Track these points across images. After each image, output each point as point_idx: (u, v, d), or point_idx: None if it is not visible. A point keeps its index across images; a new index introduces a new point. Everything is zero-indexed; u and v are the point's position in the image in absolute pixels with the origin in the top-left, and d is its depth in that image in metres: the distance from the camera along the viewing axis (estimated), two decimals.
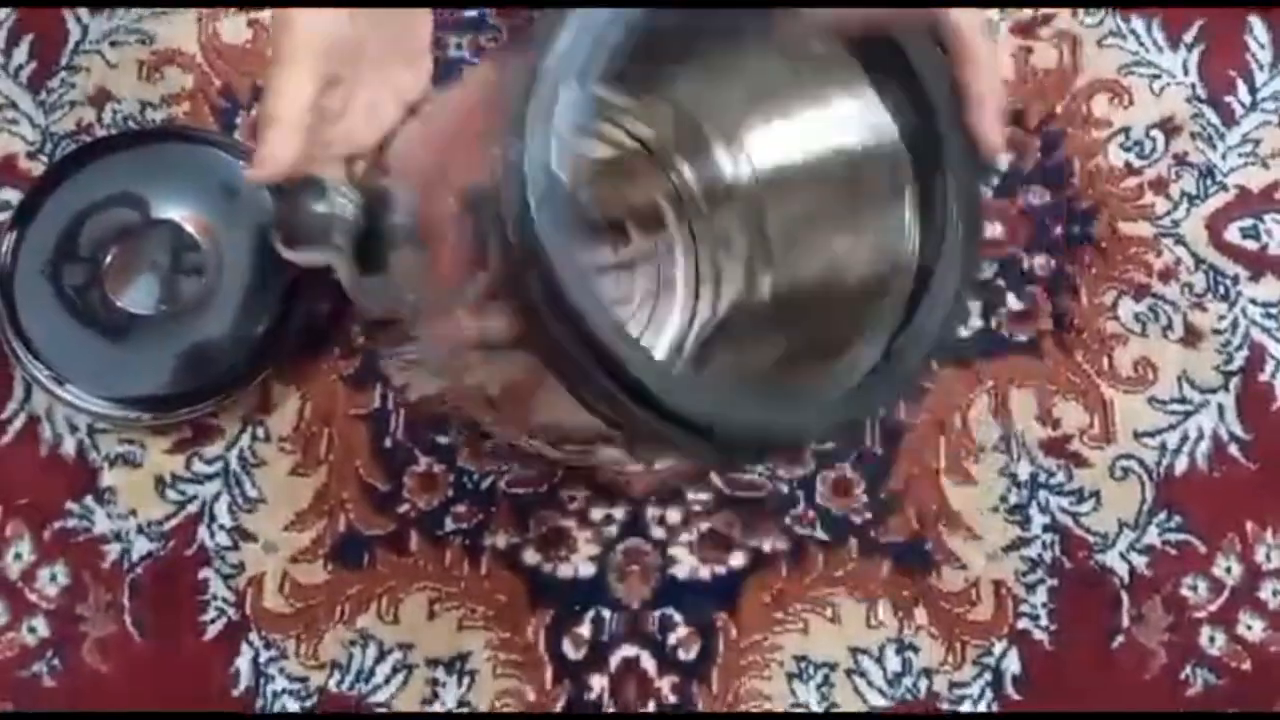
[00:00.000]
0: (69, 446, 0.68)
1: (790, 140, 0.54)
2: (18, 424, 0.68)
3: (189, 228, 0.68)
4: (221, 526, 0.67)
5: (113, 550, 0.66)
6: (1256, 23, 0.78)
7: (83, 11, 0.75)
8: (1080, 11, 0.78)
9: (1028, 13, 0.78)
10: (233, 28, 0.75)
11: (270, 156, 0.48)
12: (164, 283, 0.68)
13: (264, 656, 0.65)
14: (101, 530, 0.67)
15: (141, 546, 0.66)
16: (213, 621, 0.66)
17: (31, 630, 0.65)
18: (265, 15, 0.75)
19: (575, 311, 0.39)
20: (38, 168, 0.72)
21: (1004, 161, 0.75)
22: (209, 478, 0.68)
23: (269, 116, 0.48)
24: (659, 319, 0.61)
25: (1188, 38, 0.78)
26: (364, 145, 0.52)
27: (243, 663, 0.65)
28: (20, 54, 0.74)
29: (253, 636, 0.65)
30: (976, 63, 0.48)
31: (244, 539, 0.67)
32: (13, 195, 0.71)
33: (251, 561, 0.67)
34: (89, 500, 0.67)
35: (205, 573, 0.66)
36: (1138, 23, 0.78)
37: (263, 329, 0.68)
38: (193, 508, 0.67)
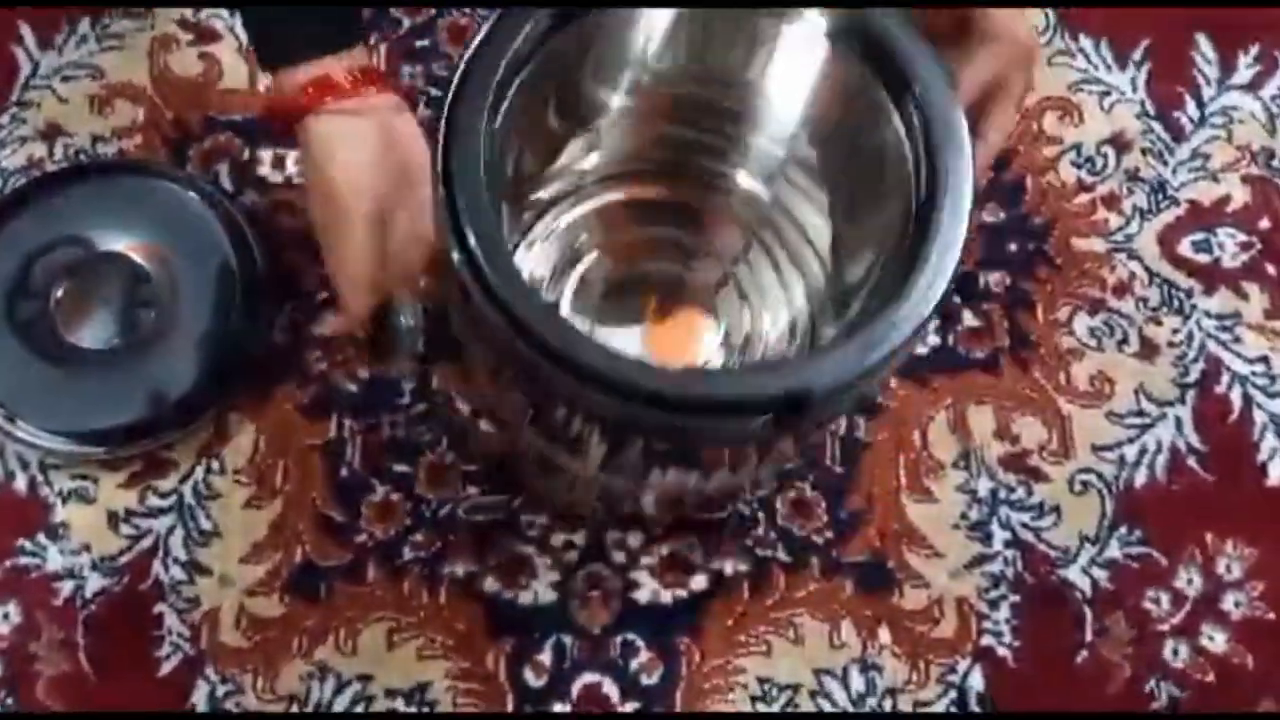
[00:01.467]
0: (20, 483, 0.67)
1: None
2: None
3: (140, 260, 0.68)
4: (176, 560, 0.66)
5: (66, 587, 0.65)
6: (1203, 40, 0.79)
7: (33, 46, 0.75)
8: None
9: None
10: (183, 61, 0.75)
11: (348, 312, 0.55)
12: (117, 316, 0.67)
13: (220, 691, 0.64)
14: (54, 567, 0.66)
15: (95, 583, 0.66)
16: (168, 657, 0.65)
17: None
18: (215, 48, 0.76)
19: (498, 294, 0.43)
20: None
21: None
22: (163, 511, 0.67)
23: (338, 279, 0.54)
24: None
25: (1135, 55, 0.79)
26: (418, 262, 0.56)
27: (199, 698, 0.64)
28: None
29: (209, 671, 0.64)
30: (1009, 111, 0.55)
31: (199, 573, 0.66)
32: None
33: (207, 595, 0.66)
34: (41, 537, 0.66)
35: (160, 608, 0.65)
36: (1086, 41, 0.79)
37: (218, 360, 0.67)
38: (146, 542, 0.66)
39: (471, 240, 0.44)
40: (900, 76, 0.48)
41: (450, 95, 0.46)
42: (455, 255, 0.44)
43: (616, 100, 0.57)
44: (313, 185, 0.55)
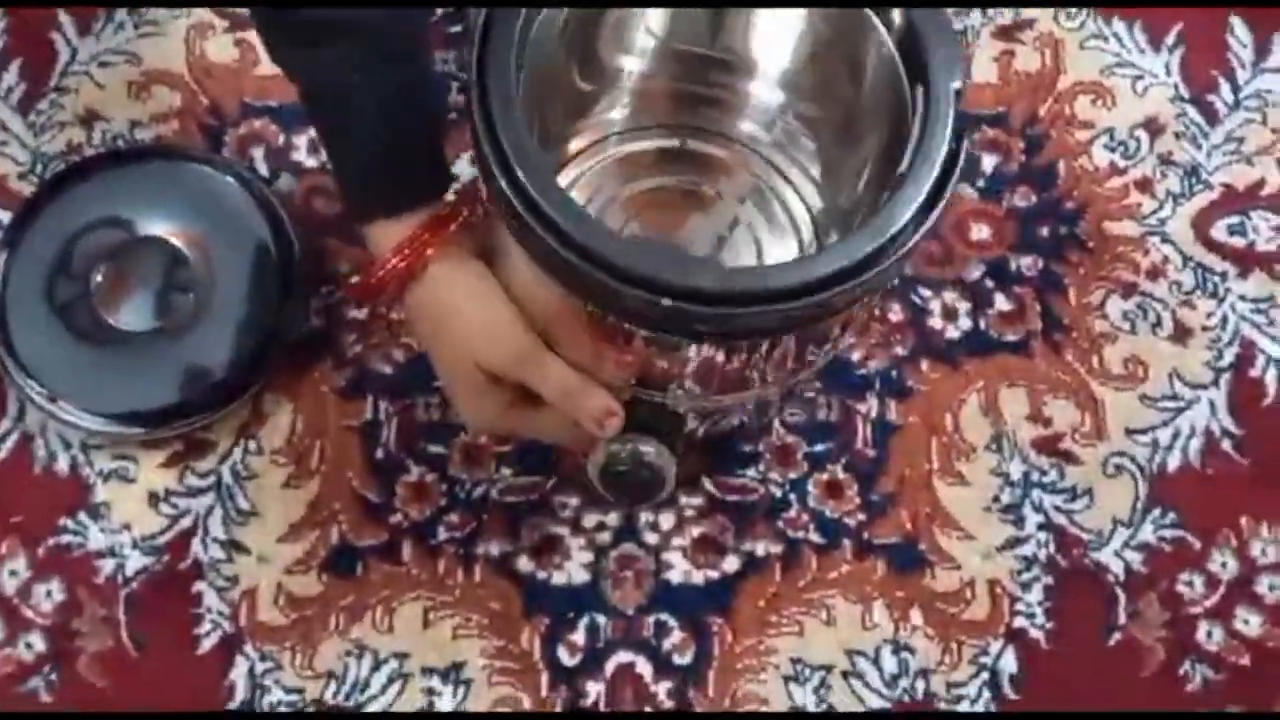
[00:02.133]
0: (62, 463, 0.68)
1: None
2: (11, 442, 0.68)
3: (179, 244, 0.69)
4: (215, 540, 0.67)
5: (107, 565, 0.66)
6: (1238, 23, 0.79)
7: (71, 33, 0.76)
8: (1061, 15, 0.79)
9: (1009, 16, 0.78)
10: (220, 47, 0.76)
11: (603, 425, 0.53)
12: (156, 299, 0.68)
13: (259, 669, 0.65)
14: (96, 546, 0.67)
15: (136, 561, 0.66)
16: (207, 635, 0.65)
17: (28, 646, 0.65)
18: (251, 35, 0.76)
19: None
20: (28, 189, 0.72)
21: (989, 164, 0.75)
22: (202, 491, 0.68)
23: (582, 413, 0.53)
24: None
25: (1169, 39, 0.78)
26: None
27: (238, 675, 0.65)
28: (10, 77, 0.75)
29: (248, 649, 0.65)
30: None
31: (238, 552, 0.67)
32: (4, 216, 0.71)
33: (245, 574, 0.66)
34: (83, 516, 0.67)
35: (199, 586, 0.66)
36: (1119, 25, 0.79)
37: (255, 342, 0.68)
38: (186, 522, 0.67)
39: (512, 158, 0.45)
40: None
41: (478, 39, 0.47)
42: (499, 177, 0.45)
43: (630, 61, 0.60)
44: (529, 364, 0.53)
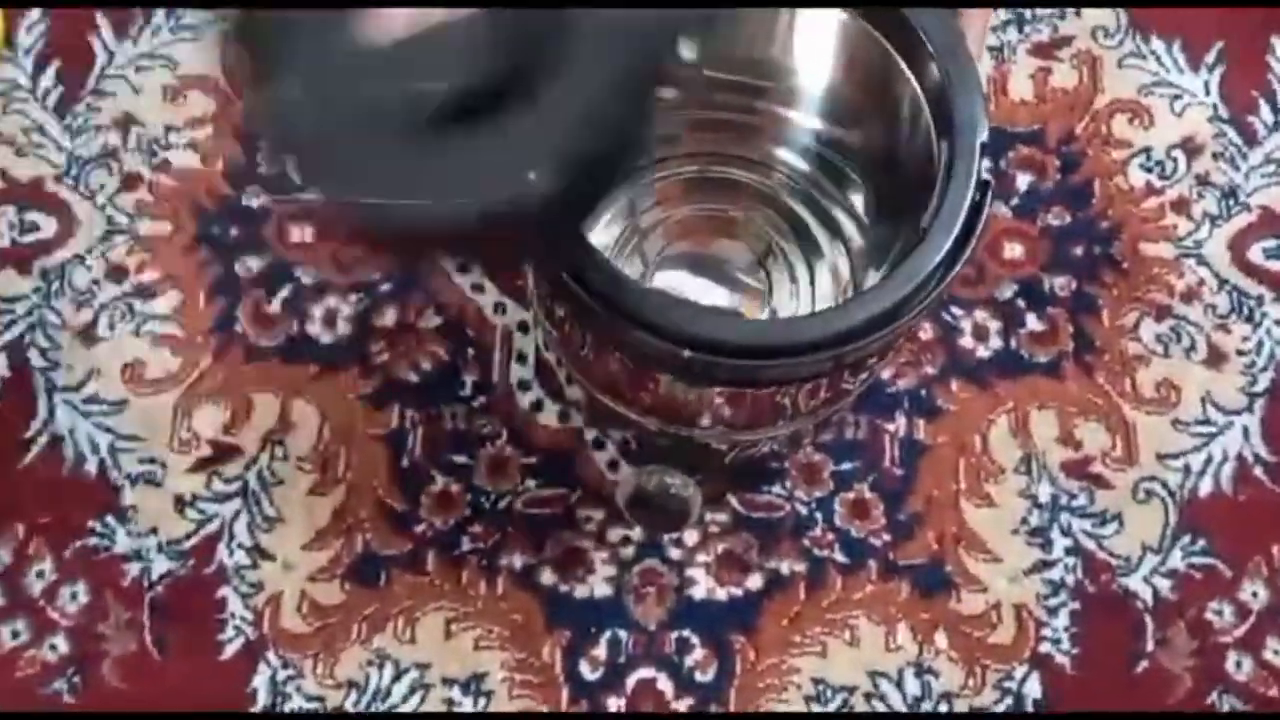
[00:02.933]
0: (91, 466, 0.68)
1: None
2: (41, 443, 0.69)
3: None
4: (240, 545, 0.67)
5: (133, 569, 0.67)
6: (1279, 43, 0.78)
7: (109, 37, 0.76)
8: (1099, 32, 0.78)
9: (1046, 34, 0.78)
10: None
11: None
12: None
13: (281, 675, 0.65)
14: (122, 549, 0.67)
15: (161, 565, 0.67)
16: (230, 640, 0.66)
17: (52, 648, 0.65)
18: None
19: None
20: (65, 191, 0.73)
21: (1023, 183, 0.75)
22: (228, 497, 0.68)
23: None
24: None
25: (1209, 58, 0.78)
26: None
27: (260, 681, 0.65)
28: (47, 79, 0.75)
29: (270, 655, 0.65)
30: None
31: (262, 558, 0.67)
32: (40, 218, 0.72)
33: (270, 580, 0.67)
34: (110, 519, 0.67)
35: (224, 591, 0.66)
36: (1158, 43, 0.78)
37: None
38: (212, 527, 0.68)
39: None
40: (912, 36, 0.48)
41: None
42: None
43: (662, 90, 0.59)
44: None
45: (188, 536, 0.67)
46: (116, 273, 0.72)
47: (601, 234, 0.62)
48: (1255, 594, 0.68)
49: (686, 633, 0.66)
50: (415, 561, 0.67)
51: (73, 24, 0.76)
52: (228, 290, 0.72)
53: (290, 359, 0.70)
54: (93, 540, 0.67)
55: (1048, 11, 0.78)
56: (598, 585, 0.67)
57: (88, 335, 0.71)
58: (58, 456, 0.69)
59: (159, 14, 0.77)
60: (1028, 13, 0.78)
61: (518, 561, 0.67)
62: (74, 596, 0.66)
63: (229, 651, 0.66)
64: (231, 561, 0.67)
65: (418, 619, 0.66)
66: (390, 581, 0.67)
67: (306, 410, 0.70)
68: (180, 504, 0.68)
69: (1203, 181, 0.75)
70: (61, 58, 0.76)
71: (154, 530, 0.67)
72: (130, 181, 0.74)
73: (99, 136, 0.74)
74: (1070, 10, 0.78)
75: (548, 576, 0.67)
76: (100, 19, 0.77)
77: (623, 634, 0.66)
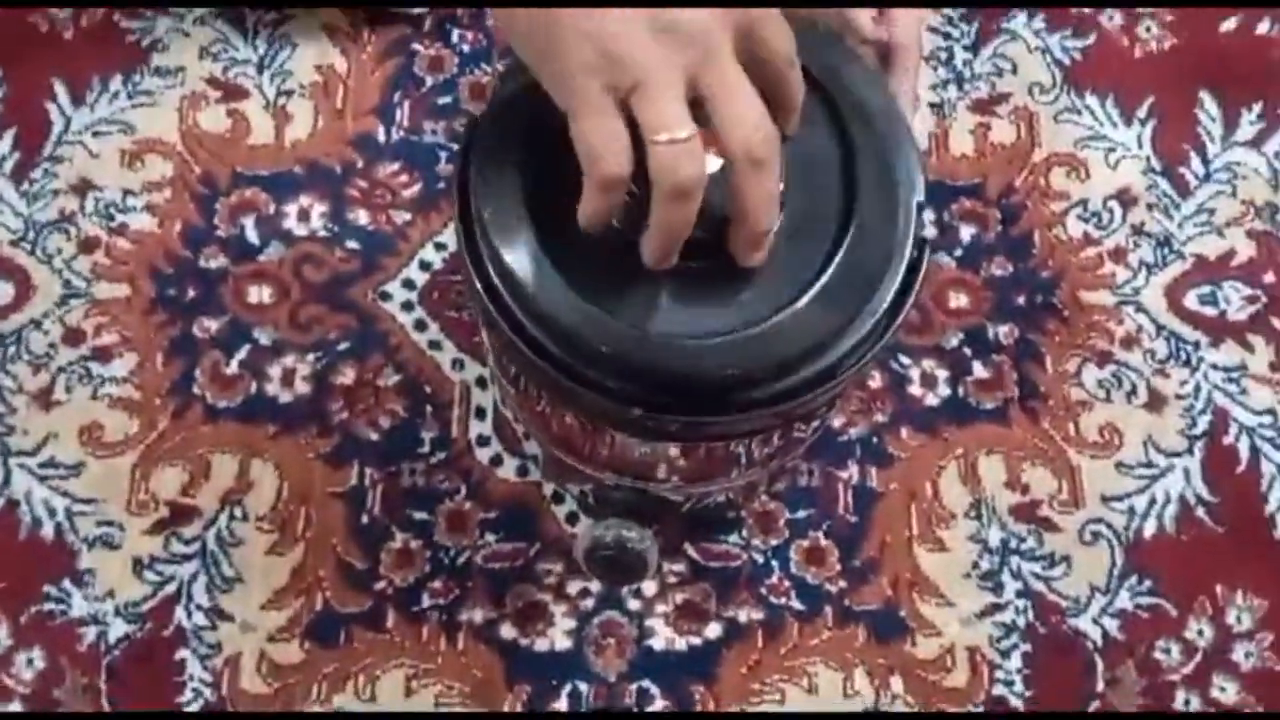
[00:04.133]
0: (48, 529, 0.68)
1: None
2: None
3: None
4: (199, 607, 0.67)
5: (89, 633, 0.66)
6: (1207, 97, 0.81)
7: (65, 103, 0.77)
8: (1036, 89, 0.81)
9: (985, 91, 0.80)
10: (212, 117, 0.77)
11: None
12: None
13: None
14: (79, 613, 0.67)
15: (118, 629, 0.67)
16: (190, 703, 0.65)
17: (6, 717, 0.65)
18: (243, 105, 0.78)
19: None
20: (21, 255, 0.73)
21: (966, 235, 0.77)
22: (187, 558, 0.68)
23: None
24: None
25: (1141, 113, 0.81)
26: None
27: None
28: (4, 146, 0.76)
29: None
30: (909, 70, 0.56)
31: (221, 619, 0.67)
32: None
33: (228, 641, 0.67)
34: (66, 583, 0.67)
35: (182, 653, 0.66)
36: (1092, 99, 0.81)
37: None
38: (170, 589, 0.67)
39: (492, 272, 0.45)
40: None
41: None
42: (477, 284, 0.46)
43: None
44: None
45: (145, 599, 0.67)
46: (74, 336, 0.72)
47: None
48: (1201, 632, 0.69)
49: (647, 683, 0.67)
50: (375, 619, 0.67)
51: (29, 91, 0.77)
52: (185, 352, 0.72)
53: (248, 419, 0.71)
54: (49, 605, 0.67)
55: (986, 69, 0.81)
56: (558, 638, 0.67)
57: (45, 399, 0.71)
58: (13, 521, 0.68)
59: (116, 80, 0.78)
60: (967, 71, 0.81)
61: (478, 616, 0.68)
62: (30, 662, 0.66)
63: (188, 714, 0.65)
64: (190, 623, 0.67)
65: (378, 677, 0.66)
66: (350, 640, 0.67)
67: (265, 470, 0.70)
68: (138, 566, 0.68)
69: (1138, 231, 0.78)
70: (18, 124, 0.76)
71: (111, 593, 0.67)
72: (87, 245, 0.74)
73: (56, 201, 0.75)
74: (1008, 68, 0.81)
75: (508, 630, 0.67)
76: (58, 86, 0.77)
77: (583, 686, 0.66)
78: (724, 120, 0.41)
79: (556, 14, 0.40)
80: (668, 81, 0.40)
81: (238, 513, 0.69)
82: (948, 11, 0.82)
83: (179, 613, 0.67)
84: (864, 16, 0.56)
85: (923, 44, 0.59)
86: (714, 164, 0.44)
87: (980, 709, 0.67)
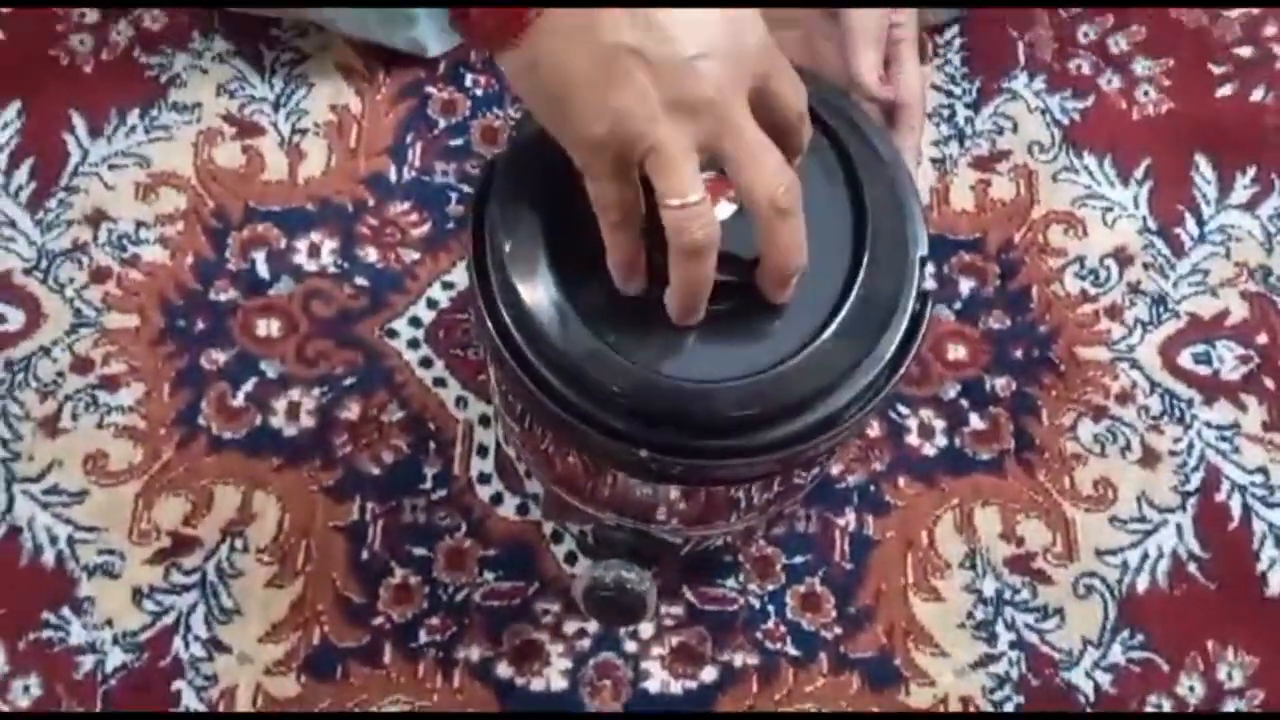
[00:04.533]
0: (49, 556, 0.69)
1: None
2: None
3: None
4: (197, 638, 0.67)
5: (86, 661, 0.67)
6: (1202, 160, 0.83)
7: (83, 135, 0.78)
8: (1035, 147, 0.82)
9: (986, 148, 0.82)
10: (227, 153, 0.79)
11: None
12: None
13: None
14: (77, 641, 0.67)
15: (116, 658, 0.67)
16: None
17: None
18: (258, 142, 0.79)
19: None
20: (33, 284, 0.74)
21: (965, 288, 0.78)
22: (186, 589, 0.68)
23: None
24: None
25: (1138, 173, 0.82)
26: None
27: None
28: (21, 175, 0.77)
29: None
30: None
31: (218, 650, 0.67)
32: (8, 310, 0.73)
33: (225, 673, 0.67)
34: (65, 610, 0.67)
35: (178, 684, 0.66)
36: (1090, 159, 0.82)
37: None
38: (168, 619, 0.68)
39: (504, 311, 0.46)
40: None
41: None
42: (489, 326, 0.47)
43: None
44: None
45: (144, 629, 0.67)
46: (82, 365, 0.73)
47: None
48: (1192, 688, 0.70)
49: None
50: (372, 654, 0.67)
51: (48, 122, 0.79)
52: (192, 383, 0.73)
53: (253, 451, 0.72)
54: (47, 632, 0.67)
55: (987, 127, 0.83)
56: (554, 678, 0.68)
57: (51, 426, 0.71)
58: (15, 547, 0.69)
59: (134, 114, 0.79)
60: (968, 128, 0.82)
61: (475, 654, 0.68)
62: (26, 690, 0.66)
63: None
64: (187, 654, 0.67)
65: (374, 713, 0.66)
66: (347, 674, 0.67)
67: (267, 502, 0.70)
68: (138, 595, 0.68)
69: (1134, 289, 0.79)
70: (36, 154, 0.78)
71: (110, 622, 0.67)
72: (99, 275, 0.75)
73: (70, 231, 0.76)
74: (1008, 127, 0.83)
75: (504, 669, 0.68)
76: (76, 118, 0.79)
77: None
78: (745, 180, 0.42)
79: (568, 90, 0.41)
80: (681, 151, 0.41)
81: (239, 544, 0.69)
82: (950, 70, 0.84)
83: (177, 643, 0.67)
84: (871, 75, 0.57)
85: (927, 102, 0.60)
86: (726, 210, 0.45)
87: None
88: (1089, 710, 0.68)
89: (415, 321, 0.75)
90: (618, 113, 0.40)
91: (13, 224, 0.76)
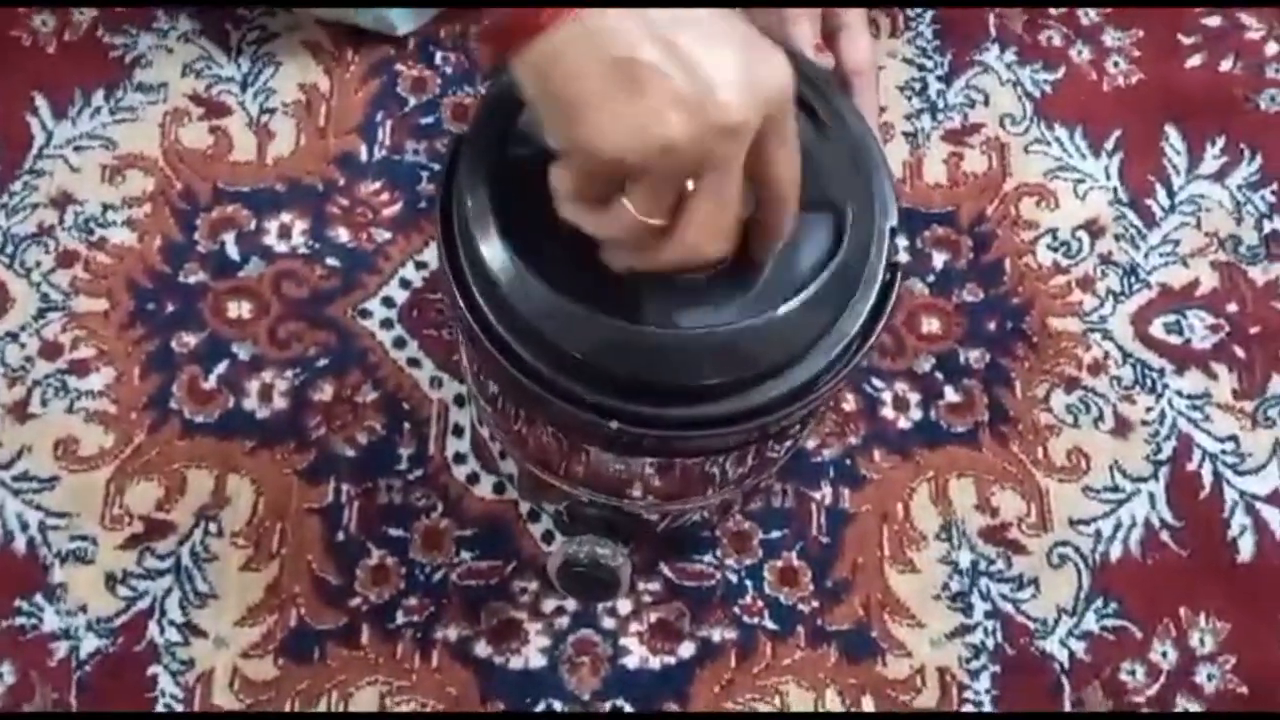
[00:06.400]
0: (20, 543, 0.68)
1: None
2: None
3: None
4: (172, 622, 0.67)
5: (61, 648, 0.66)
6: (1172, 131, 0.83)
7: (47, 117, 0.77)
8: (1007, 120, 0.82)
9: (958, 121, 0.82)
10: (194, 134, 0.78)
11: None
12: None
13: None
14: (50, 628, 0.66)
15: (90, 644, 0.66)
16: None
17: None
18: (225, 122, 0.78)
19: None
20: None
21: (938, 261, 0.78)
22: (160, 573, 0.68)
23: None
24: None
25: (1108, 145, 0.82)
26: None
27: None
28: None
29: None
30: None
31: (194, 634, 0.67)
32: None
33: (201, 657, 0.66)
34: (38, 598, 0.67)
35: (154, 669, 0.66)
36: (1061, 131, 0.83)
37: None
38: (143, 604, 0.67)
39: (471, 282, 0.46)
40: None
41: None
42: (456, 292, 0.47)
43: None
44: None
45: (118, 614, 0.67)
46: (50, 349, 0.72)
47: None
48: (1165, 654, 0.70)
49: (620, 702, 0.67)
50: (350, 635, 0.67)
51: (10, 104, 0.77)
52: (163, 366, 0.72)
53: (225, 434, 0.71)
54: (20, 620, 0.66)
55: (959, 100, 0.83)
56: (532, 656, 0.68)
57: (20, 412, 0.71)
58: None
59: (99, 95, 0.78)
60: (940, 101, 0.82)
61: (453, 634, 0.68)
62: (0, 677, 0.65)
63: None
64: (162, 639, 0.67)
65: (351, 694, 0.66)
66: (324, 656, 0.67)
67: (241, 485, 0.70)
68: (111, 581, 0.68)
69: (1106, 260, 0.79)
70: None
71: (83, 608, 0.67)
72: (66, 259, 0.74)
73: (35, 215, 0.75)
74: (980, 100, 0.83)
75: (483, 648, 0.68)
76: (39, 99, 0.78)
77: (557, 705, 0.67)
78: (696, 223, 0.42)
79: (574, 121, 0.40)
80: (664, 184, 0.41)
81: (213, 528, 0.69)
82: (922, 43, 0.84)
83: (152, 628, 0.67)
84: (807, 45, 0.56)
85: (875, 60, 0.59)
86: None
87: None
88: (1065, 674, 0.69)
89: (388, 301, 0.75)
90: (608, 152, 0.40)
91: None
